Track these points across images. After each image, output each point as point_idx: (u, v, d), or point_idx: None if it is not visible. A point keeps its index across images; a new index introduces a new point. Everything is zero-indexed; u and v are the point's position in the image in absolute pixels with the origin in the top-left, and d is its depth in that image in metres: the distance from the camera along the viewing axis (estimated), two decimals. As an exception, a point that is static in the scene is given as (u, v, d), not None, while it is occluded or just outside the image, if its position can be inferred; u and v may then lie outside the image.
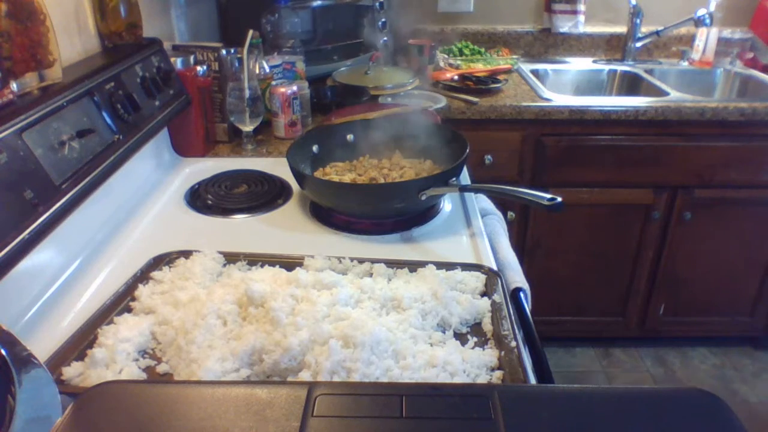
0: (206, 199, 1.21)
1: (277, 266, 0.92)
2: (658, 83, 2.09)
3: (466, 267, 0.94)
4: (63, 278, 0.93)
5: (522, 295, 0.93)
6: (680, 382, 2.17)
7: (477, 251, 1.03)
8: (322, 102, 1.75)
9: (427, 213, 1.15)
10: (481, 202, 1.27)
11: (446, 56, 2.22)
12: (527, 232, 2.04)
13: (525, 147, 1.91)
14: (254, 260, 0.96)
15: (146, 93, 1.22)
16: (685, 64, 2.32)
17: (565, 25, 2.32)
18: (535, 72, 2.22)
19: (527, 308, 0.90)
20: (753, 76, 2.20)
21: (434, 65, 2.16)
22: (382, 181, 1.19)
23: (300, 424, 0.48)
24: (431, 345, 0.76)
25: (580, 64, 2.34)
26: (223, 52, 1.47)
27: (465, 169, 1.35)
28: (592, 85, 2.32)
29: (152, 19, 1.49)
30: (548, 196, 0.93)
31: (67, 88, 0.97)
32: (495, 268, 0.97)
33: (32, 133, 0.86)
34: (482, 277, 0.91)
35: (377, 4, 2.03)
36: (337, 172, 1.24)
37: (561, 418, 0.50)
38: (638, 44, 2.31)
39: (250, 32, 1.41)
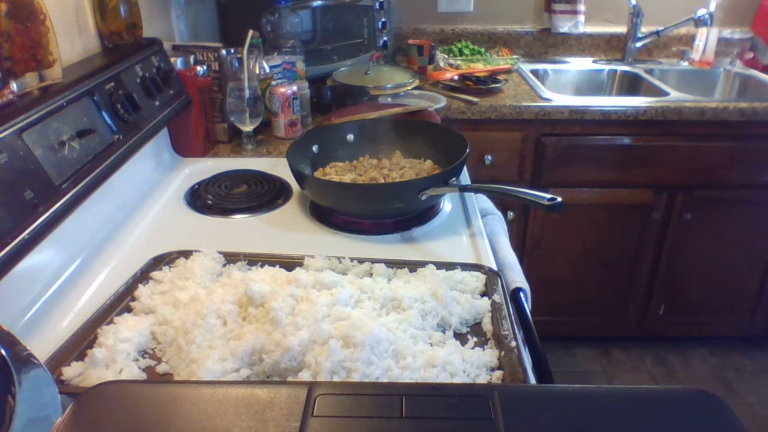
0: (206, 199, 1.21)
1: (277, 266, 0.92)
2: (658, 83, 2.09)
3: (466, 267, 0.94)
4: (63, 278, 0.93)
5: (522, 295, 0.93)
6: (680, 382, 2.17)
7: (477, 251, 1.03)
8: (322, 102, 1.74)
9: (427, 213, 1.15)
10: (481, 202, 1.27)
11: (446, 56, 2.22)
12: (527, 232, 2.04)
13: (525, 147, 1.91)
14: (254, 260, 0.96)
15: (146, 93, 1.22)
16: (685, 64, 2.32)
17: (565, 25, 2.32)
18: (535, 72, 2.22)
19: (527, 308, 0.90)
20: (753, 76, 2.20)
21: (434, 65, 2.16)
22: (382, 181, 1.19)
23: (300, 424, 0.48)
24: (431, 345, 0.76)
25: (580, 64, 2.34)
26: (223, 52, 1.47)
27: (465, 169, 1.35)
28: (592, 85, 2.32)
29: (152, 19, 1.49)
30: (548, 196, 0.93)
31: (67, 88, 0.97)
32: (495, 268, 0.97)
33: (32, 133, 0.86)
34: (482, 277, 0.91)
35: (377, 4, 2.03)
36: (337, 172, 1.24)
37: (561, 418, 0.50)
38: (638, 44, 2.30)
39: (250, 32, 1.41)
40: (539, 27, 2.39)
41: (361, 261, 0.94)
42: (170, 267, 0.94)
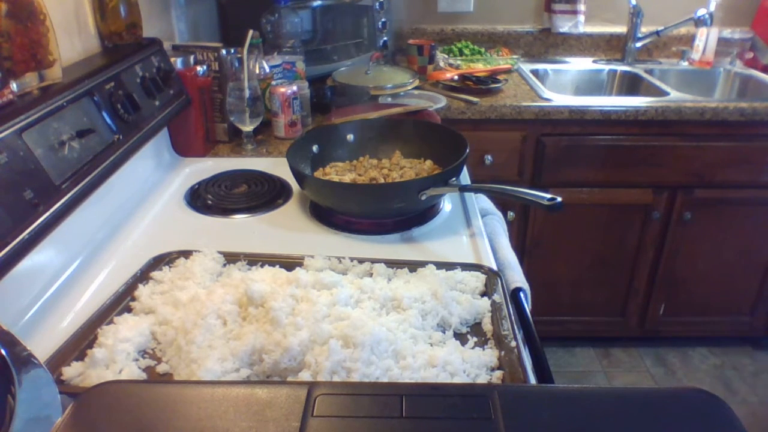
0: (206, 199, 1.21)
1: (277, 266, 0.92)
2: (658, 83, 2.09)
3: (466, 267, 0.94)
4: (63, 278, 0.93)
5: (522, 295, 0.93)
6: (680, 382, 2.17)
7: (477, 251, 1.03)
8: (322, 102, 1.74)
9: (427, 213, 1.15)
10: (481, 202, 1.27)
11: (446, 56, 2.22)
12: (527, 232, 2.04)
13: (525, 147, 1.91)
14: (254, 260, 0.96)
15: (146, 93, 1.22)
16: (685, 64, 2.32)
17: (565, 25, 2.32)
18: (535, 72, 2.22)
19: (527, 308, 0.90)
20: (753, 76, 2.20)
21: (434, 65, 2.16)
22: (382, 181, 1.19)
23: (300, 424, 0.48)
24: (431, 345, 0.76)
25: (580, 64, 2.34)
26: (223, 52, 1.47)
27: (465, 169, 1.35)
28: (592, 85, 2.32)
29: (152, 19, 1.49)
30: (548, 196, 0.93)
31: (67, 88, 0.97)
32: (495, 268, 0.97)
33: (32, 133, 0.86)
34: (482, 277, 0.91)
35: (377, 4, 2.03)
36: (337, 172, 1.24)
37: (561, 418, 0.50)
38: (638, 44, 2.31)
39: (250, 32, 1.41)
40: (539, 27, 2.39)
41: (361, 261, 0.94)
42: (170, 267, 0.94)
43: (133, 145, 1.13)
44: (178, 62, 1.40)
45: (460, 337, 0.80)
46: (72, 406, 0.50)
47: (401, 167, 1.24)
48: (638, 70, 2.26)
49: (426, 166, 1.24)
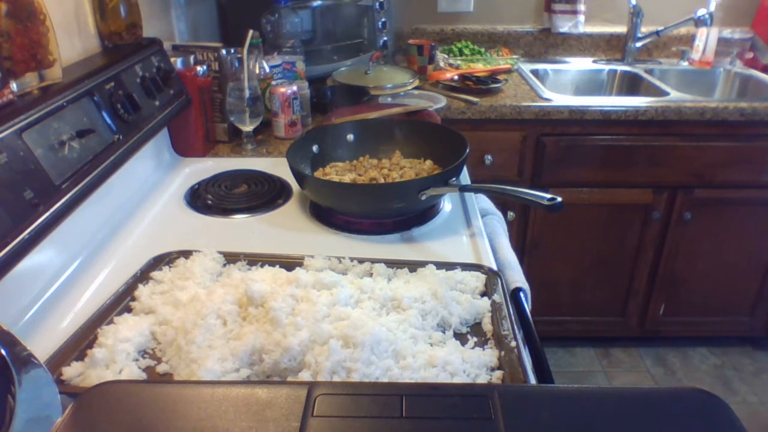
0: (206, 199, 1.22)
1: (277, 266, 0.92)
2: (658, 83, 2.09)
3: (466, 267, 0.94)
4: (63, 278, 0.93)
5: (522, 295, 0.93)
6: (680, 382, 2.17)
7: (477, 251, 1.03)
8: (322, 102, 1.75)
9: (427, 213, 1.15)
10: (481, 202, 1.27)
11: (446, 56, 2.22)
12: (527, 232, 2.04)
13: (525, 147, 1.91)
14: (254, 260, 0.96)
15: (146, 93, 1.22)
16: (685, 64, 2.32)
17: (565, 25, 2.32)
18: (535, 72, 2.22)
19: (527, 308, 0.90)
20: (753, 76, 2.20)
21: (434, 65, 2.16)
22: (382, 181, 1.19)
23: (300, 424, 0.48)
24: (431, 345, 0.76)
25: (580, 64, 2.34)
26: (223, 52, 1.47)
27: (465, 169, 1.35)
28: (592, 85, 2.32)
29: (152, 19, 1.49)
30: (548, 196, 0.93)
31: (67, 88, 0.97)
32: (495, 268, 0.97)
33: (32, 133, 0.86)
34: (482, 277, 0.91)
35: (377, 4, 2.03)
36: (337, 172, 1.24)
37: (561, 418, 0.50)
38: (638, 44, 2.31)
39: (250, 32, 1.41)
40: (539, 27, 2.39)
41: (361, 261, 0.94)
42: (170, 267, 0.94)
43: (133, 145, 1.13)
44: (178, 62, 1.41)
45: (460, 337, 0.80)
46: (72, 406, 0.50)
47: (401, 167, 1.24)
48: (638, 70, 2.26)
49: (426, 166, 1.24)
